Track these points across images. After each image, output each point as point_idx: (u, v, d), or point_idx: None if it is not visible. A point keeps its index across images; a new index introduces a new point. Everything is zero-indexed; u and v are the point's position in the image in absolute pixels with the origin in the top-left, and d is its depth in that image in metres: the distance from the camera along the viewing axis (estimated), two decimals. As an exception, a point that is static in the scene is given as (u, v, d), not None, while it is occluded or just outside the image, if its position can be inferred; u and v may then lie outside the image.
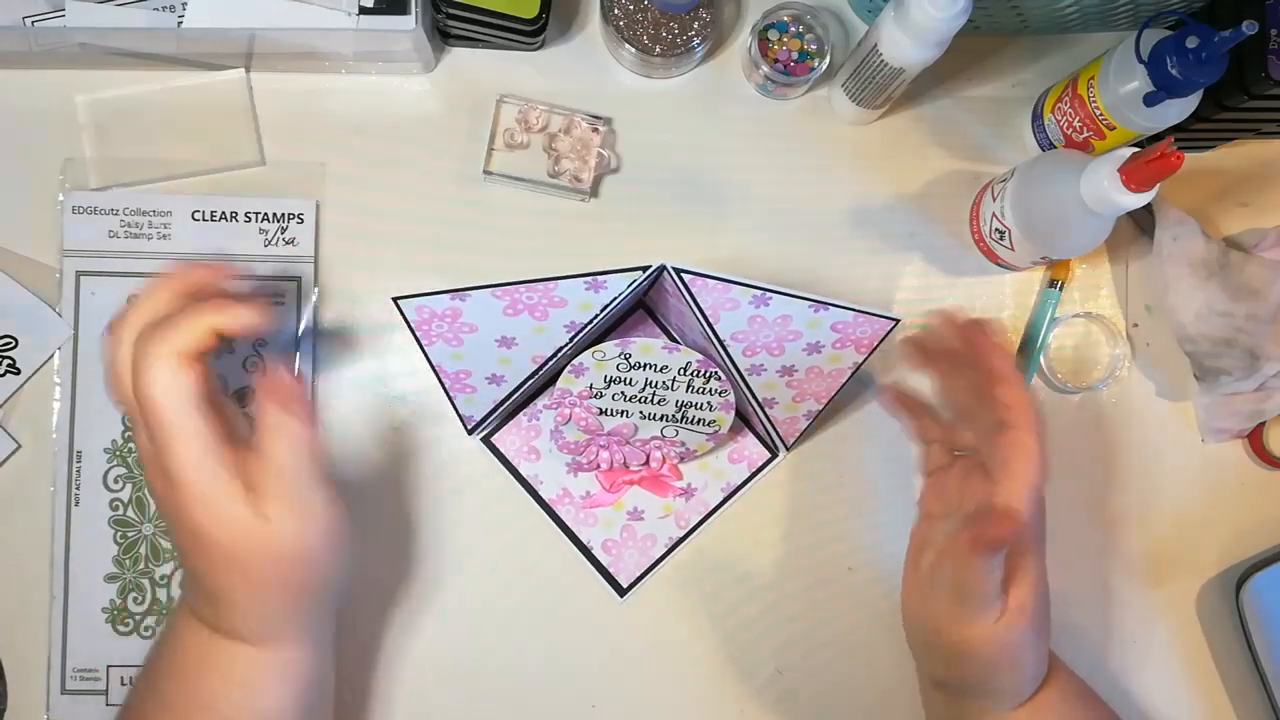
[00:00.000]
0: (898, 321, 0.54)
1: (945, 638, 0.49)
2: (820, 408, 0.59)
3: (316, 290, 0.62)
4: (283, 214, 0.62)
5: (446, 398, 0.58)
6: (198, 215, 0.61)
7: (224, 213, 0.61)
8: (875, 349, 0.55)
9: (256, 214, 0.61)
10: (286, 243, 0.62)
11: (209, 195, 0.61)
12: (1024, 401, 0.48)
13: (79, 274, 0.60)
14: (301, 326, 0.61)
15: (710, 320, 0.52)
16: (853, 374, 0.57)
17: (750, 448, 0.64)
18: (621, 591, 0.62)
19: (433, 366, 0.56)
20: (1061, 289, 0.65)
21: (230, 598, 0.45)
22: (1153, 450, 0.65)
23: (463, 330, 0.53)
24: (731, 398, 0.57)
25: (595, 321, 0.52)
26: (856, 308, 0.53)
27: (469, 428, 0.60)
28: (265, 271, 0.61)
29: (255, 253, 0.61)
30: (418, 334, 0.54)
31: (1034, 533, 0.49)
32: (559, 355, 0.55)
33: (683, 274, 0.50)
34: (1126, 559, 0.65)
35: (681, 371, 0.55)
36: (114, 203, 0.61)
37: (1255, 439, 0.65)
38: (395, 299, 0.52)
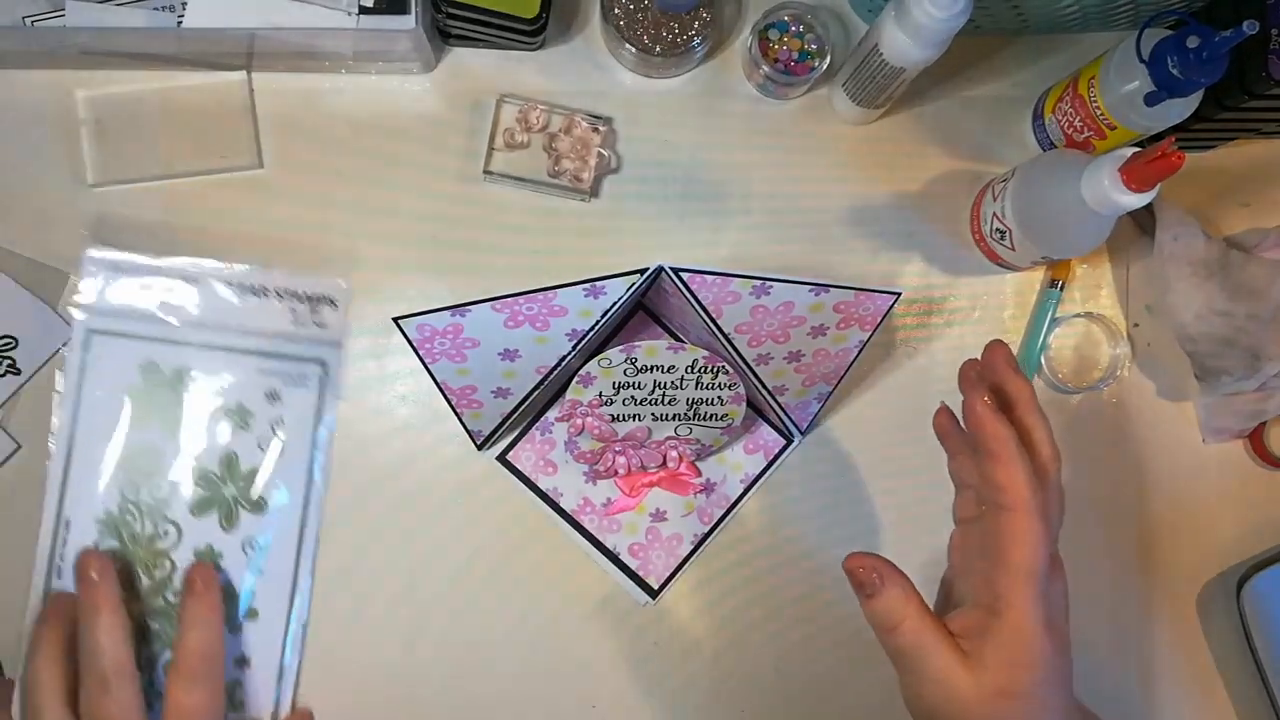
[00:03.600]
0: (899, 295, 0.54)
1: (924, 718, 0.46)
2: (831, 389, 0.59)
3: (334, 383, 0.60)
4: (314, 295, 0.60)
5: (454, 415, 0.58)
6: (225, 284, 0.59)
7: (253, 286, 0.59)
8: (880, 325, 0.56)
9: (287, 291, 0.59)
10: (316, 325, 0.60)
11: (237, 266, 0.59)
12: (1020, 481, 0.44)
13: (90, 331, 0.58)
14: (320, 417, 0.60)
15: (713, 315, 0.52)
16: (859, 352, 0.57)
17: (766, 436, 0.64)
18: (653, 594, 0.62)
19: (438, 384, 0.56)
20: (1062, 289, 0.65)
21: None
22: (1153, 450, 0.65)
23: (465, 346, 0.53)
24: (741, 390, 0.57)
25: (596, 328, 0.52)
26: (857, 286, 0.53)
27: (478, 443, 0.60)
28: (290, 351, 0.60)
29: (282, 330, 0.60)
30: (420, 353, 0.54)
31: (1040, 615, 0.44)
32: (563, 364, 0.55)
33: (680, 273, 0.50)
34: (1127, 559, 0.65)
35: (689, 369, 0.55)
36: (135, 265, 0.58)
37: (1256, 439, 0.65)
38: (396, 319, 0.52)
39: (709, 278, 0.50)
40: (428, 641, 0.61)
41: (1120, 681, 0.64)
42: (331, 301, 0.60)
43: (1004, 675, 0.43)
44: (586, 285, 0.50)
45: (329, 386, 0.60)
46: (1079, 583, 0.63)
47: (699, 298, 0.51)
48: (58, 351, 0.60)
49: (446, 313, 0.51)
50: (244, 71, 0.62)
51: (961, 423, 0.48)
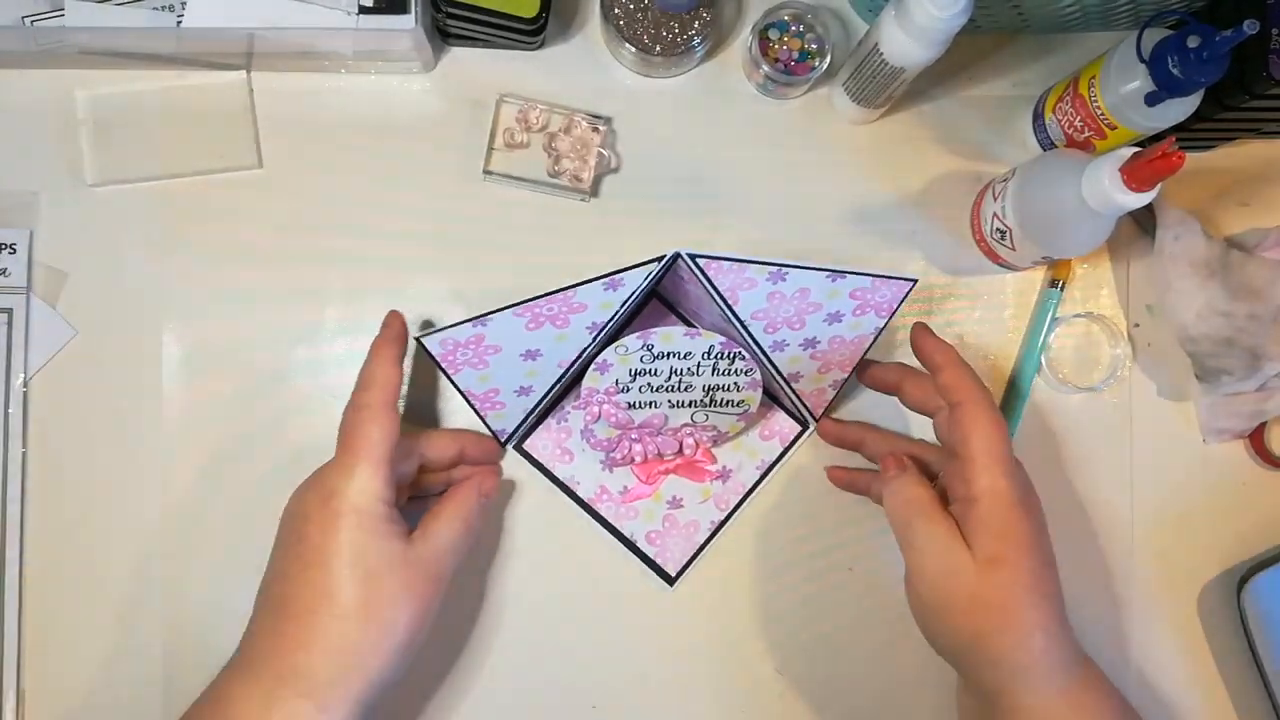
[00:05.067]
0: (915, 282, 0.54)
1: (927, 602, 0.50)
2: (846, 376, 0.59)
3: (29, 327, 0.59)
4: None
5: (477, 417, 0.58)
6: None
7: None
8: (896, 311, 0.56)
9: None
10: None
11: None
12: (966, 380, 0.51)
13: None
14: (11, 365, 0.59)
15: (729, 301, 0.52)
16: (875, 339, 0.57)
17: (781, 423, 0.64)
18: (670, 581, 0.62)
19: (461, 393, 0.56)
20: (1062, 289, 0.65)
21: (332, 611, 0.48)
22: (1154, 450, 0.65)
23: (487, 353, 0.53)
24: (758, 376, 0.57)
25: (614, 317, 0.53)
26: (873, 272, 0.53)
27: (502, 441, 0.61)
28: None
29: None
30: (443, 366, 0.54)
31: (1012, 492, 0.49)
32: (583, 354, 0.55)
33: (697, 259, 0.50)
34: (1127, 559, 0.64)
35: (705, 356, 0.55)
36: None
37: (1256, 439, 0.65)
38: (418, 338, 0.52)
39: (725, 264, 0.50)
40: (436, 634, 0.60)
41: (1120, 681, 0.63)
42: (11, 248, 0.58)
43: (992, 545, 0.48)
44: (606, 279, 0.50)
45: (19, 337, 0.59)
46: (1079, 583, 0.63)
47: (716, 284, 0.51)
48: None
49: (468, 325, 0.51)
50: (244, 71, 0.62)
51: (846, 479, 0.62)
